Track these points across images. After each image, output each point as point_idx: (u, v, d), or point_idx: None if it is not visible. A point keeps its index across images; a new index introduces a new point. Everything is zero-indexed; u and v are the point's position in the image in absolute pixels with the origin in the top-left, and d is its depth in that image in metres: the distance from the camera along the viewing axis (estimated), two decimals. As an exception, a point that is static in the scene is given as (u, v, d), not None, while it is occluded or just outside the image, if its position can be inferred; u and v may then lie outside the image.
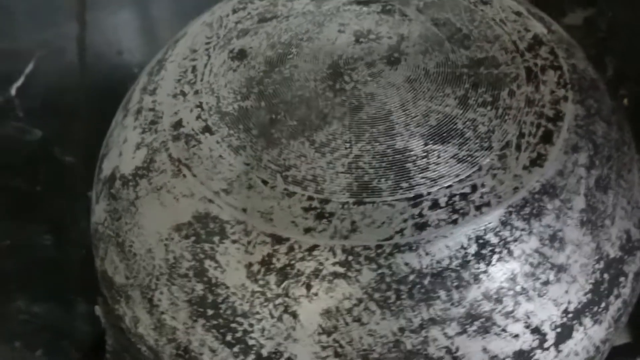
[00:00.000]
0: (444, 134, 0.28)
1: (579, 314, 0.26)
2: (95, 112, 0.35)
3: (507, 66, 0.30)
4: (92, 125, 0.36)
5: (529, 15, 0.33)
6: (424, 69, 0.30)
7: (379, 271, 0.25)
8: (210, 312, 0.26)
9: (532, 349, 0.26)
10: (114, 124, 0.34)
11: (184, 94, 0.31)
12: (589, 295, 0.27)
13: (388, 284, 0.25)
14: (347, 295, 0.25)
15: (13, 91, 0.46)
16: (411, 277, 0.25)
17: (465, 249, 0.25)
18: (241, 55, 0.32)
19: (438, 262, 0.25)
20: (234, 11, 0.34)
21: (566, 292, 0.26)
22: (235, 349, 0.26)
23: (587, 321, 0.27)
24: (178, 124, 0.29)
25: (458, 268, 0.25)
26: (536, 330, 0.26)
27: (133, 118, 0.31)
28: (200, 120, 0.29)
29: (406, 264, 0.25)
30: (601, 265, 0.27)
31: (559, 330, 0.26)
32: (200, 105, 0.30)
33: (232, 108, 0.30)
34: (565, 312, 0.26)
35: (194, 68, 0.32)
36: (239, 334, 0.26)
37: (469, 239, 0.25)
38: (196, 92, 0.30)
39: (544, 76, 0.30)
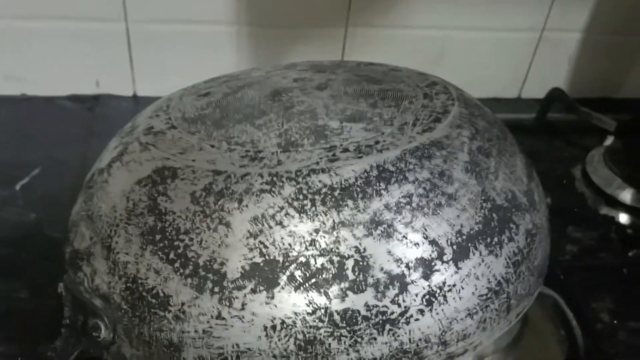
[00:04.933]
0: (356, 118, 0.35)
1: (472, 238, 0.31)
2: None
3: (409, 92, 0.39)
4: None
5: (428, 75, 0.43)
6: (344, 91, 0.39)
7: (298, 186, 0.30)
8: (158, 237, 0.31)
9: (433, 259, 0.30)
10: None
11: (157, 115, 0.39)
12: (480, 226, 0.31)
13: (305, 195, 0.30)
14: (271, 204, 0.30)
15: (18, 187, 0.53)
16: (324, 190, 0.30)
17: (368, 172, 0.31)
18: (205, 94, 0.41)
19: (346, 180, 0.30)
20: (205, 82, 0.44)
21: (458, 216, 0.31)
22: (177, 264, 0.30)
23: (482, 248, 0.31)
24: (150, 128, 0.37)
25: (362, 185, 0.30)
26: (434, 242, 0.30)
27: (114, 138, 0.39)
28: (167, 124, 0.37)
29: (320, 181, 0.30)
30: (488, 205, 0.32)
31: (455, 247, 0.30)
32: (169, 118, 0.38)
33: (193, 115, 0.38)
34: (459, 233, 0.31)
35: (167, 106, 0.40)
36: (180, 250, 0.30)
37: (371, 166, 0.31)
38: (167, 113, 0.39)
39: (437, 97, 0.38)
